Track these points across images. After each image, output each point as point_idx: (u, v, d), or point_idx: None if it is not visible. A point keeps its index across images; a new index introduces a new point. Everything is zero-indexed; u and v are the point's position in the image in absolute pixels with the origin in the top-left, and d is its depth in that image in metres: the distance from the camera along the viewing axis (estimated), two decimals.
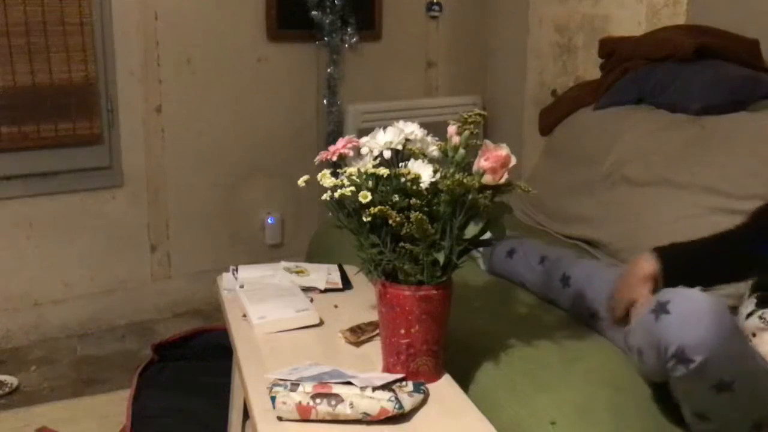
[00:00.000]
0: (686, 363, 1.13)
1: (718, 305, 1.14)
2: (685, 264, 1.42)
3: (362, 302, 1.69)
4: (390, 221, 1.23)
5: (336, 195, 1.28)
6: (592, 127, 2.39)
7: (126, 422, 2.10)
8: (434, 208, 1.26)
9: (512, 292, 1.84)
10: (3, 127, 2.55)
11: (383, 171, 1.28)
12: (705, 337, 1.11)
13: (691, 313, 1.13)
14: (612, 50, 2.52)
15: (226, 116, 2.94)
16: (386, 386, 1.23)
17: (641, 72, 2.31)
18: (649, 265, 1.42)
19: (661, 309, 1.16)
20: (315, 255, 2.36)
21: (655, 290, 1.39)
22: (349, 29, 3.01)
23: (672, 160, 2.00)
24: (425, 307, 1.30)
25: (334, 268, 1.88)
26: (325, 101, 3.06)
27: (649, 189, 2.01)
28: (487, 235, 1.32)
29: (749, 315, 1.30)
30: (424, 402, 1.27)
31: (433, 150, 1.35)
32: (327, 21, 2.95)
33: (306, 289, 1.74)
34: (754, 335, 1.28)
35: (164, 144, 2.84)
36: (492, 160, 1.25)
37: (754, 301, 1.30)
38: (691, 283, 1.34)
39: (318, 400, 1.20)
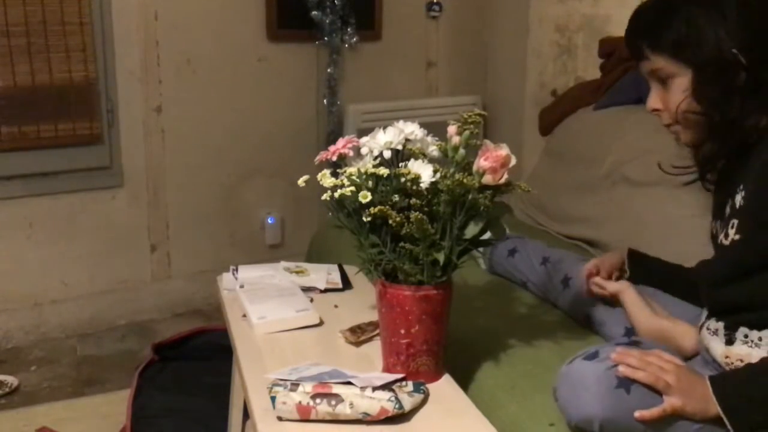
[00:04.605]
0: None
1: (598, 367, 1.18)
2: (646, 272, 1.58)
3: (362, 302, 1.69)
4: (390, 221, 1.23)
5: (336, 195, 1.28)
6: (592, 127, 2.39)
7: (126, 422, 2.10)
8: (434, 208, 1.26)
9: (512, 292, 1.84)
10: (3, 127, 2.55)
11: (383, 171, 1.28)
12: (591, 407, 1.15)
13: (576, 386, 1.18)
14: (612, 50, 2.52)
15: (226, 116, 2.94)
16: (386, 386, 1.23)
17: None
18: (618, 253, 1.61)
19: (558, 385, 1.23)
20: (315, 255, 2.36)
21: (619, 277, 1.58)
22: (349, 29, 3.01)
23: (672, 160, 1.99)
24: (425, 307, 1.30)
25: (334, 268, 1.88)
26: (325, 101, 3.06)
27: (649, 189, 2.01)
28: (487, 235, 1.32)
29: (701, 327, 1.33)
30: (424, 402, 1.27)
31: (433, 150, 1.35)
32: (327, 21, 2.95)
33: (306, 289, 1.74)
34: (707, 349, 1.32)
35: (164, 144, 2.84)
36: (492, 160, 1.25)
37: (705, 313, 1.34)
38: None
39: (318, 400, 1.20)
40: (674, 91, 1.26)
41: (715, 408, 1.14)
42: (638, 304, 1.49)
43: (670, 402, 1.15)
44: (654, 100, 1.31)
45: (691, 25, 1.21)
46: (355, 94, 3.10)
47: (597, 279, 1.58)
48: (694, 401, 1.15)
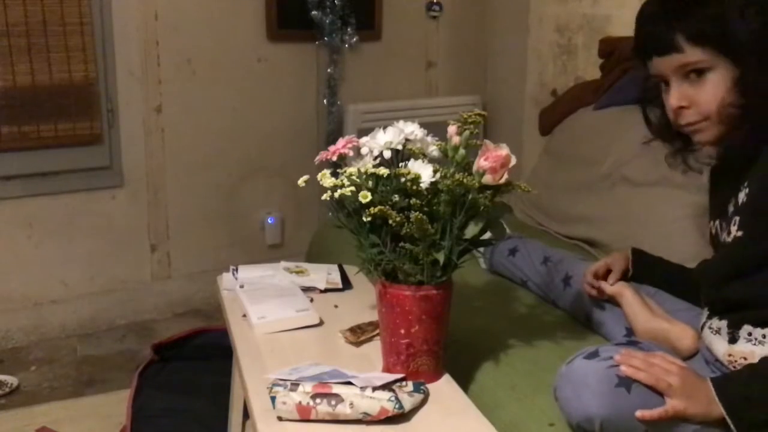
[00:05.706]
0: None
1: (599, 366, 1.17)
2: (649, 272, 1.58)
3: (362, 302, 1.69)
4: (390, 221, 1.23)
5: (336, 195, 1.28)
6: (592, 127, 2.39)
7: (126, 422, 2.10)
8: (434, 208, 1.26)
9: (512, 292, 1.84)
10: (3, 127, 2.55)
11: (383, 171, 1.28)
12: (592, 406, 1.14)
13: (577, 385, 1.17)
14: (612, 50, 2.52)
15: (226, 116, 2.94)
16: (386, 386, 1.23)
17: (641, 72, 2.31)
18: (625, 254, 1.60)
19: (558, 384, 1.22)
20: (315, 255, 2.36)
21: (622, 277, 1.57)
22: (349, 29, 3.01)
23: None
24: (425, 307, 1.30)
25: (334, 268, 1.88)
26: (325, 101, 3.06)
27: (649, 189, 2.01)
28: (487, 235, 1.32)
29: (702, 326, 1.33)
30: (424, 402, 1.27)
31: (433, 150, 1.35)
32: (327, 21, 2.95)
33: (306, 289, 1.74)
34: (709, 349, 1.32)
35: (164, 144, 2.84)
36: (492, 160, 1.25)
37: (707, 312, 1.34)
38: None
39: (318, 400, 1.20)
40: (709, 85, 1.17)
41: (718, 410, 1.14)
42: (636, 305, 1.49)
43: (672, 404, 1.14)
44: (678, 98, 1.21)
45: (734, 11, 1.12)
46: (355, 94, 3.10)
47: (596, 283, 1.58)
48: (696, 404, 1.15)
